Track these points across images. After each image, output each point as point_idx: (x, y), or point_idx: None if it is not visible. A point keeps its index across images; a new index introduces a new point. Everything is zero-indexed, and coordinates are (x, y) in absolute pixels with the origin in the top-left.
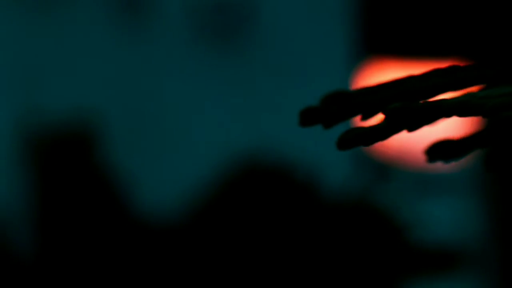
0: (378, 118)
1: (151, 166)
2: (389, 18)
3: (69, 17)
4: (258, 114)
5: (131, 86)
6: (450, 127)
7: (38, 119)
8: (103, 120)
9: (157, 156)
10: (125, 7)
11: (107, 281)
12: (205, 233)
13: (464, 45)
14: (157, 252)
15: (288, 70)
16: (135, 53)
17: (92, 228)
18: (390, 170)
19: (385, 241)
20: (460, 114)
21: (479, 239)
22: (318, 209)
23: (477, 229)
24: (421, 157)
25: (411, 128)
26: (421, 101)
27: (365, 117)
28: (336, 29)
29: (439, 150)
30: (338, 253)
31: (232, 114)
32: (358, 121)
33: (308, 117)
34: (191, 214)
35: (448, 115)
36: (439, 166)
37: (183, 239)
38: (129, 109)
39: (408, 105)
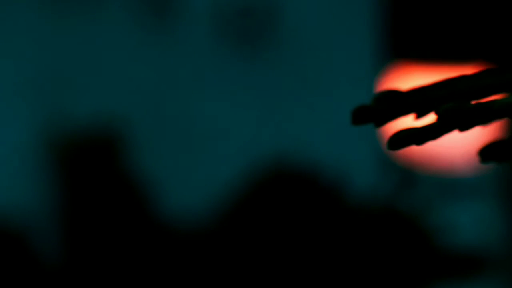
0: (430, 117)
1: (177, 171)
2: (415, 23)
3: (96, 22)
4: (285, 118)
5: (157, 90)
6: (476, 133)
7: (64, 124)
8: (129, 124)
9: (183, 161)
10: (151, 11)
11: (134, 286)
12: (232, 238)
13: (489, 50)
14: (184, 257)
15: (313, 74)
16: (161, 58)
17: (118, 233)
18: (415, 175)
19: (411, 246)
20: None
21: (503, 243)
22: (344, 214)
23: (501, 233)
24: (446, 163)
25: (463, 128)
26: (473, 102)
27: (418, 116)
28: (362, 33)
29: (493, 151)
30: (364, 257)
31: (259, 118)
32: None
33: (360, 115)
34: (218, 219)
35: (500, 116)
36: (463, 171)
37: (210, 244)
38: (155, 113)
39: (460, 105)
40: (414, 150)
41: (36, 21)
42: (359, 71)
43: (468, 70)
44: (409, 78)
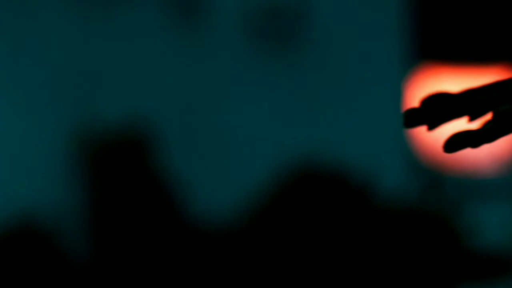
0: (483, 120)
1: (206, 172)
2: (443, 25)
3: (126, 23)
4: (313, 119)
5: (186, 91)
6: None
7: (94, 124)
8: (158, 125)
9: (212, 161)
10: (181, 12)
11: (161, 286)
12: (260, 238)
13: None
14: (212, 258)
15: (342, 75)
16: (190, 58)
17: (146, 233)
18: (443, 177)
19: (438, 247)
20: None
21: None
22: (373, 215)
23: None
24: (473, 164)
25: None
26: None
27: (472, 119)
28: (390, 34)
29: None
30: (392, 258)
31: (288, 119)
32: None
33: (412, 118)
34: (246, 220)
35: None
36: (491, 172)
37: (238, 245)
38: (184, 114)
39: None
40: (441, 152)
41: (67, 22)
42: (387, 72)
43: (497, 71)
44: (437, 79)
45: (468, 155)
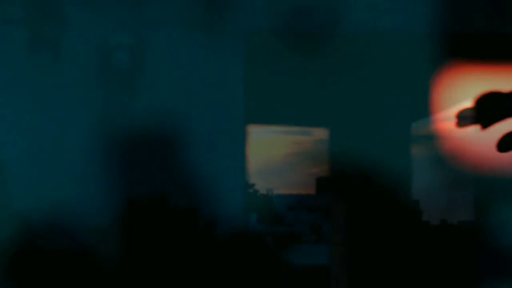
0: None
1: (231, 170)
2: (473, 24)
3: (155, 19)
4: (338, 118)
5: (214, 88)
6: None
7: (123, 121)
8: (186, 122)
9: (238, 161)
10: (209, 9)
11: (187, 285)
12: (282, 238)
13: None
14: (235, 256)
15: (369, 74)
16: (218, 56)
17: (173, 231)
18: (470, 176)
19: (466, 246)
20: None
21: None
22: (399, 214)
23: None
24: (500, 163)
25: None
26: None
27: None
28: (418, 32)
29: None
30: (419, 256)
31: (312, 117)
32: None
33: (465, 118)
34: (268, 219)
35: None
36: None
37: (261, 244)
38: (212, 111)
39: None
40: (469, 151)
41: (96, 21)
42: (416, 71)
43: None
44: (466, 78)
45: (496, 154)
